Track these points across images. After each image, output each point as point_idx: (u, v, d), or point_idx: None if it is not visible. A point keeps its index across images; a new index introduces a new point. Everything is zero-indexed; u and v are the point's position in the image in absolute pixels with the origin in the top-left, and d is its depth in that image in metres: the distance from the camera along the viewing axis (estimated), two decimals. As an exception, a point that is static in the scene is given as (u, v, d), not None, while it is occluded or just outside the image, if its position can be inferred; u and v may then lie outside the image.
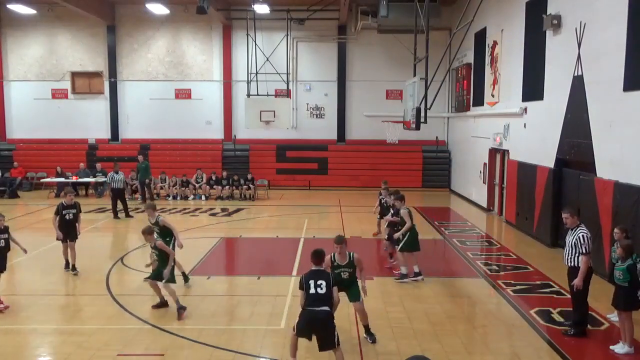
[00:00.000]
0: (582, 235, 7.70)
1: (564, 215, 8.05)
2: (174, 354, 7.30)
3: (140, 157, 20.66)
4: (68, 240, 10.87)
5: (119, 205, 17.16)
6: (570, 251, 7.81)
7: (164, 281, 8.52)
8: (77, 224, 11.07)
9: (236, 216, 17.91)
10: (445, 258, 13.17)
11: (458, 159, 23.41)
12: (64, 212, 10.91)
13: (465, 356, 7.24)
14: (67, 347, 7.37)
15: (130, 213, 17.24)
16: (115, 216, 16.95)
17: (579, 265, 7.67)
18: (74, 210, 11.04)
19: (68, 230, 10.91)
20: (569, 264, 7.84)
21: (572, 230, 7.89)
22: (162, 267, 8.58)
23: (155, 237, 8.85)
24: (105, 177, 21.80)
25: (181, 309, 8.45)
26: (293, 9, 22.50)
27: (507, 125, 16.65)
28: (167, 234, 9.61)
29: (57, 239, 10.96)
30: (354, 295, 7.58)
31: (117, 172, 17.32)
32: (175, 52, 25.04)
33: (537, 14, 14.11)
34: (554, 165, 13.32)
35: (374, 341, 7.53)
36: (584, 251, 7.64)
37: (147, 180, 20.32)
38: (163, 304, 8.79)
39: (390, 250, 11.41)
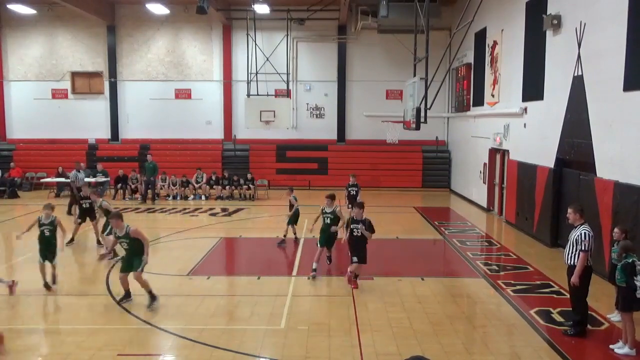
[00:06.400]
0: (585, 232, 7.70)
1: (568, 211, 8.07)
2: (174, 354, 7.32)
3: (149, 157, 20.97)
4: None
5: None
6: (570, 248, 7.80)
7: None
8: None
9: (236, 216, 17.91)
10: (445, 258, 13.17)
11: (458, 159, 23.40)
12: None
13: (465, 356, 7.24)
14: (67, 347, 7.36)
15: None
16: (69, 212, 16.95)
17: (579, 263, 7.67)
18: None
19: None
20: (569, 262, 7.83)
21: (575, 227, 7.89)
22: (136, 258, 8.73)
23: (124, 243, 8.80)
24: (107, 177, 21.92)
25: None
26: (293, 9, 22.48)
27: (507, 125, 16.65)
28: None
29: None
30: None
31: (79, 171, 17.80)
32: (175, 52, 25.04)
33: (537, 14, 14.10)
34: (554, 165, 13.32)
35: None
36: (583, 247, 7.64)
37: (152, 178, 20.43)
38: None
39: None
